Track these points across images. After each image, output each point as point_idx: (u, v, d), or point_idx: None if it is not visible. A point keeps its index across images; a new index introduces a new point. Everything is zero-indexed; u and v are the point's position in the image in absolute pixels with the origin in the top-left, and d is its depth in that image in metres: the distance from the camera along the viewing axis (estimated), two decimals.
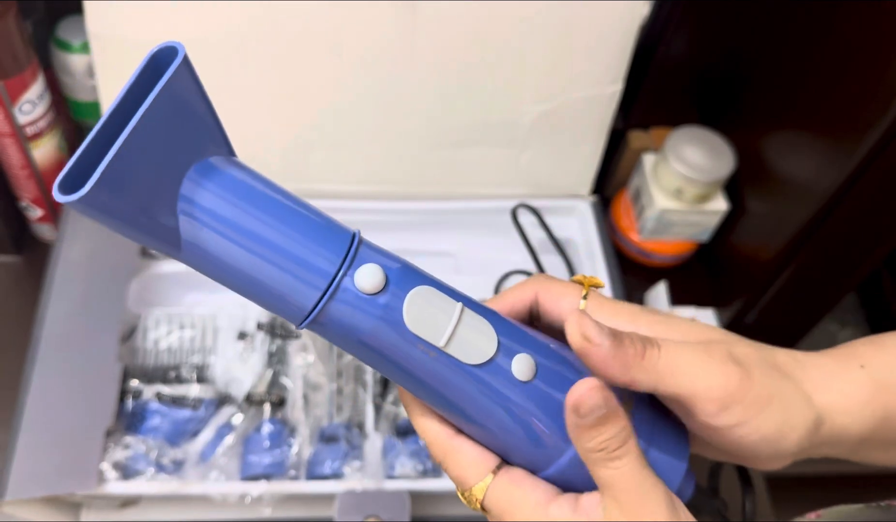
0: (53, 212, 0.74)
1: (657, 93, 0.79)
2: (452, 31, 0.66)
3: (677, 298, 0.76)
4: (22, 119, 0.65)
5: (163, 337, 0.68)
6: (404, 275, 0.27)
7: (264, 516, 0.62)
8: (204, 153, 0.25)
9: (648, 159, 0.80)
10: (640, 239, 0.81)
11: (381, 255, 0.27)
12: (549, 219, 0.79)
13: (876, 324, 0.88)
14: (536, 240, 0.77)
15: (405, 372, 0.28)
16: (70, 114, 0.75)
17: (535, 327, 0.33)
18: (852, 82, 0.61)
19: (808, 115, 0.67)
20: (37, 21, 0.69)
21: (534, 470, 0.29)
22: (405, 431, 0.65)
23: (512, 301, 0.32)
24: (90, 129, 0.78)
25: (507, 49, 0.68)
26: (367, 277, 0.26)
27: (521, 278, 0.76)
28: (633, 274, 0.83)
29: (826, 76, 0.65)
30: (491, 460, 0.29)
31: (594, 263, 0.75)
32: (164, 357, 0.67)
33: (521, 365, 0.28)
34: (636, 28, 0.67)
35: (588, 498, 0.28)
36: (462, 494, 0.30)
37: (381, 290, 0.26)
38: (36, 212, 0.74)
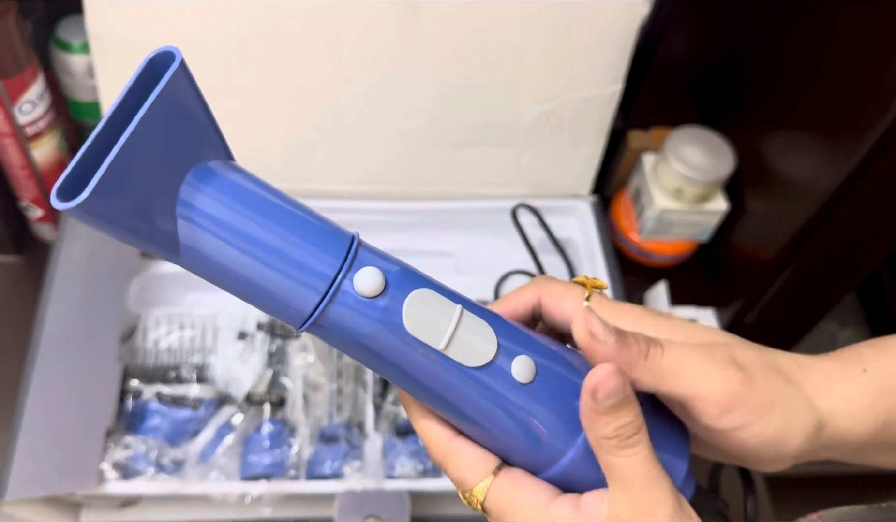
0: (53, 211, 0.74)
1: (657, 93, 0.79)
2: (452, 31, 0.66)
3: (677, 298, 0.76)
4: (22, 119, 0.65)
5: (163, 337, 0.68)
6: (403, 278, 0.27)
7: (264, 516, 0.62)
8: (202, 157, 0.25)
9: (648, 159, 0.80)
10: (640, 239, 0.81)
11: (380, 258, 0.27)
12: (549, 219, 0.79)
13: (876, 324, 0.88)
14: (536, 240, 0.77)
15: (405, 375, 0.28)
16: (70, 115, 0.75)
17: (537, 330, 0.34)
18: (852, 82, 0.61)
19: (808, 115, 0.67)
20: (37, 21, 0.69)
21: (534, 472, 0.29)
22: (405, 431, 0.65)
23: (514, 304, 0.32)
24: (90, 129, 0.78)
25: (507, 49, 0.68)
26: (367, 280, 0.26)
27: (521, 278, 0.76)
28: (633, 274, 0.83)
29: (826, 76, 0.65)
30: (491, 461, 0.29)
31: (594, 263, 0.75)
32: (164, 357, 0.67)
33: (521, 367, 0.28)
34: (636, 28, 0.67)
35: (590, 497, 0.28)
36: (463, 495, 0.30)
37: (380, 293, 0.26)
38: (36, 212, 0.74)
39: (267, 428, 0.63)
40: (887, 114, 0.56)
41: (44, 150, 0.68)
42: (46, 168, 0.70)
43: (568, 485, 0.29)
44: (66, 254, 0.67)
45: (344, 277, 0.26)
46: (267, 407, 0.64)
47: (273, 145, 0.73)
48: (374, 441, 0.64)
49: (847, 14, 0.62)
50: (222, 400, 0.65)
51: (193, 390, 0.64)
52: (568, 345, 0.33)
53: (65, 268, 0.67)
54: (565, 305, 0.32)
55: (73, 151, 0.75)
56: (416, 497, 0.61)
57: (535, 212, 0.78)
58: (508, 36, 0.67)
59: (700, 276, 0.84)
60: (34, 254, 0.76)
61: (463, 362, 0.27)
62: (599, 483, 0.28)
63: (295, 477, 0.62)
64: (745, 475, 0.36)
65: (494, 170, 0.77)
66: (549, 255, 0.77)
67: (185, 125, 0.24)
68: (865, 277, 0.71)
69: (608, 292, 0.71)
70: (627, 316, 0.32)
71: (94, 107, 0.73)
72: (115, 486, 0.58)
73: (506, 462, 0.30)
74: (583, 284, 0.33)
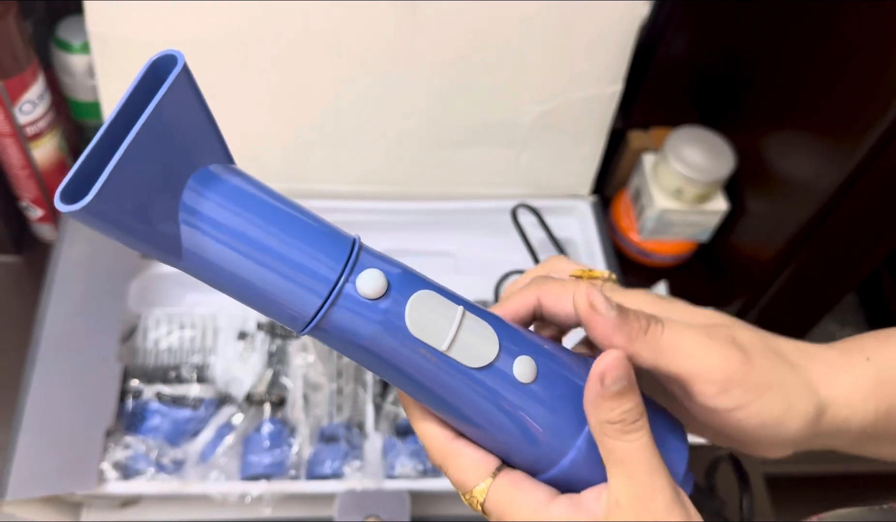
0: (53, 212, 0.74)
1: (657, 93, 0.79)
2: (452, 31, 0.66)
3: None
4: (22, 119, 0.65)
5: (163, 337, 0.68)
6: (405, 280, 0.27)
7: (264, 516, 0.62)
8: (204, 162, 0.25)
9: (648, 159, 0.80)
10: (640, 239, 0.81)
11: (381, 261, 0.28)
12: (549, 219, 0.79)
13: (876, 324, 0.88)
14: (536, 240, 0.77)
15: (406, 377, 0.28)
16: (70, 115, 0.75)
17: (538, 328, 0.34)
18: (852, 82, 0.61)
19: (808, 115, 0.67)
20: (37, 21, 0.69)
21: (535, 472, 0.30)
22: (405, 431, 0.65)
23: (514, 307, 0.33)
24: (90, 129, 0.78)
25: (507, 49, 0.68)
26: (369, 282, 0.26)
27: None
28: (633, 274, 0.83)
29: (826, 76, 0.65)
30: (491, 462, 0.29)
31: (594, 263, 0.75)
32: (164, 357, 0.67)
33: (523, 368, 0.28)
34: (636, 28, 0.67)
35: (588, 493, 0.28)
36: (463, 496, 0.30)
37: (382, 295, 0.26)
38: (36, 212, 0.74)
39: (267, 428, 0.63)
40: (887, 114, 0.56)
41: (44, 150, 0.68)
42: (47, 168, 0.70)
43: (568, 486, 0.29)
44: (66, 254, 0.67)
45: (346, 280, 0.26)
46: (267, 407, 0.64)
47: (273, 145, 0.73)
48: (374, 441, 0.64)
49: (847, 14, 0.62)
50: (222, 399, 0.65)
51: (193, 390, 0.64)
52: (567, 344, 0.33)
53: (65, 268, 0.67)
54: (566, 302, 0.32)
55: (74, 151, 0.75)
56: (416, 497, 0.61)
57: (535, 212, 0.78)
58: (508, 36, 0.67)
59: (700, 276, 0.84)
60: (34, 254, 0.76)
61: (465, 363, 0.27)
62: (599, 483, 0.29)
63: (295, 477, 0.62)
64: (742, 473, 0.36)
65: (494, 170, 0.77)
66: (549, 255, 0.77)
67: (187, 129, 0.24)
68: (865, 277, 0.71)
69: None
70: (628, 298, 0.33)
71: (95, 108, 0.73)
72: (116, 486, 0.58)
73: (506, 463, 0.30)
74: (580, 278, 0.33)
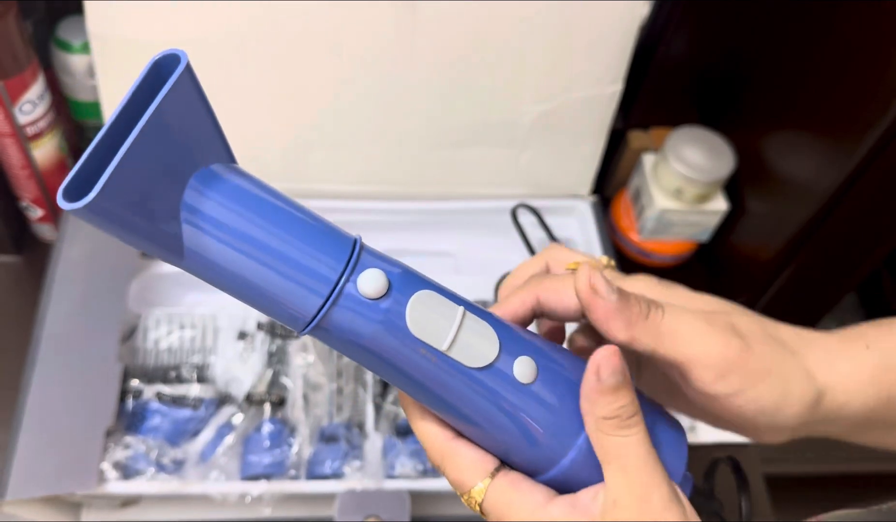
0: (53, 212, 0.74)
1: (657, 93, 0.79)
2: (452, 31, 0.66)
3: None
4: (22, 119, 0.65)
5: (163, 337, 0.68)
6: (406, 280, 0.27)
7: (264, 516, 0.62)
8: (206, 161, 0.25)
9: (648, 159, 0.80)
10: (640, 239, 0.81)
11: (382, 261, 0.28)
12: (549, 219, 0.79)
13: None
14: (536, 240, 0.77)
15: (406, 377, 0.28)
16: (70, 115, 0.75)
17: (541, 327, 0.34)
18: (852, 82, 0.61)
19: (808, 115, 0.67)
20: (37, 21, 0.69)
21: (533, 473, 0.30)
22: (405, 431, 0.65)
23: (514, 308, 0.33)
24: (91, 129, 0.78)
25: (507, 49, 0.68)
26: (370, 282, 0.26)
27: None
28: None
29: (826, 76, 0.65)
30: (489, 463, 0.29)
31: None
32: (164, 357, 0.67)
33: (523, 368, 0.28)
34: (636, 28, 0.67)
35: (584, 493, 0.28)
36: (461, 496, 0.30)
37: (383, 295, 0.27)
38: (36, 212, 0.74)
39: (267, 428, 0.63)
40: (887, 114, 0.56)
41: (44, 150, 0.68)
42: (47, 168, 0.70)
43: (567, 488, 0.29)
44: (66, 254, 0.67)
45: (347, 280, 0.26)
46: (267, 407, 0.64)
47: (273, 145, 0.73)
48: (375, 441, 0.64)
49: (847, 14, 0.62)
50: (222, 399, 0.65)
51: (194, 390, 0.64)
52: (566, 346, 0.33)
53: (65, 268, 0.67)
54: (565, 298, 0.32)
55: (74, 151, 0.75)
56: (416, 497, 0.61)
57: (535, 212, 0.78)
58: (508, 36, 0.67)
59: (700, 276, 0.84)
60: (34, 254, 0.76)
61: (465, 363, 0.27)
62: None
63: (295, 477, 0.62)
64: (740, 475, 0.36)
65: (494, 170, 0.77)
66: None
67: (189, 128, 0.24)
68: (865, 277, 0.71)
69: None
70: (629, 284, 0.33)
71: (95, 108, 0.73)
72: (116, 486, 0.58)
73: (505, 463, 0.30)
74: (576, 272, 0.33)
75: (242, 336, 0.68)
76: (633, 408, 0.28)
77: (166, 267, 0.70)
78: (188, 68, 0.24)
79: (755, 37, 0.74)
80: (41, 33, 0.70)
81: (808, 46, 0.67)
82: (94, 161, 0.23)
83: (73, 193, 0.22)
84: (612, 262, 0.35)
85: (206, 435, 0.63)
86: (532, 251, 0.76)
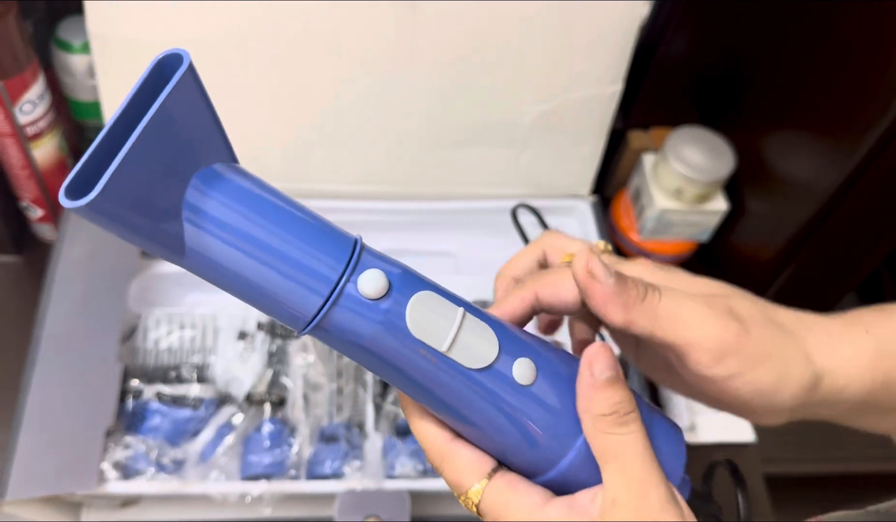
0: (53, 212, 0.74)
1: (657, 93, 0.79)
2: (452, 31, 0.66)
3: None
4: (22, 119, 0.65)
5: (163, 336, 0.68)
6: (406, 281, 0.27)
7: (264, 516, 0.62)
8: (208, 160, 0.25)
9: (648, 159, 0.80)
10: (640, 239, 0.81)
11: (383, 261, 0.28)
12: (549, 219, 0.78)
13: None
14: None
15: (406, 377, 0.28)
16: (70, 115, 0.75)
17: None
18: (852, 82, 0.61)
19: (808, 115, 0.67)
20: (37, 21, 0.69)
21: (532, 475, 0.30)
22: (405, 431, 0.65)
23: (513, 307, 0.33)
24: (91, 129, 0.78)
25: (507, 49, 0.68)
26: (371, 282, 0.26)
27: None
28: None
29: (826, 76, 0.65)
30: (487, 464, 0.29)
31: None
32: (164, 357, 0.67)
33: (523, 370, 0.28)
34: (636, 28, 0.67)
35: (582, 494, 0.28)
36: (459, 497, 0.30)
37: (383, 296, 0.27)
38: (36, 212, 0.74)
39: (267, 428, 0.63)
40: (887, 114, 0.56)
41: (44, 150, 0.68)
42: (47, 168, 0.70)
43: (565, 490, 0.29)
44: (66, 254, 0.67)
45: (347, 280, 0.26)
46: (267, 407, 0.64)
47: (273, 145, 0.73)
48: (375, 441, 0.64)
49: (847, 14, 0.62)
50: (222, 399, 0.65)
51: (194, 390, 0.64)
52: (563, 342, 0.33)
53: (65, 268, 0.67)
54: (563, 292, 0.32)
55: (74, 151, 0.75)
56: (416, 497, 0.61)
57: (535, 212, 0.78)
58: (508, 36, 0.67)
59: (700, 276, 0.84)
60: (34, 254, 0.76)
61: (465, 364, 0.27)
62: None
63: (295, 477, 0.62)
64: (739, 479, 0.36)
65: (494, 170, 0.77)
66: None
67: (192, 128, 0.24)
68: (865, 277, 0.71)
69: None
70: (628, 268, 0.33)
71: (95, 108, 0.73)
72: (116, 486, 0.58)
73: (504, 464, 0.30)
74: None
75: (242, 336, 0.68)
76: (629, 405, 0.28)
77: (166, 268, 0.70)
78: (191, 67, 0.24)
79: (755, 37, 0.74)
80: (41, 33, 0.70)
81: (808, 46, 0.67)
82: (96, 159, 0.23)
83: (76, 191, 0.22)
84: (609, 247, 0.35)
85: (206, 434, 0.63)
86: None
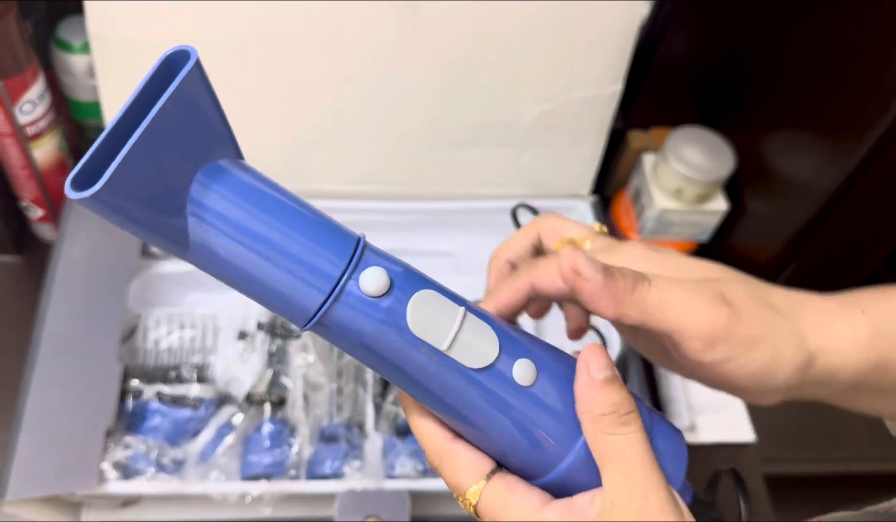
0: (53, 212, 0.74)
1: (657, 93, 0.79)
2: (452, 31, 0.66)
3: None
4: (22, 119, 0.65)
5: (163, 337, 0.68)
6: (408, 279, 0.28)
7: (264, 516, 0.62)
8: (213, 155, 0.26)
9: (648, 159, 0.80)
10: (640, 239, 0.81)
11: (385, 259, 0.28)
12: None
13: None
14: None
15: (406, 375, 0.28)
16: (70, 115, 0.75)
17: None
18: (852, 82, 0.61)
19: (808, 115, 0.67)
20: (37, 21, 0.69)
21: (531, 477, 0.29)
22: (405, 431, 0.65)
23: (508, 297, 0.33)
24: (91, 129, 0.78)
25: (507, 49, 0.68)
26: (372, 280, 0.26)
27: None
28: None
29: (826, 76, 0.65)
30: (486, 465, 0.29)
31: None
32: (164, 357, 0.67)
33: (523, 370, 0.28)
34: (636, 28, 0.67)
35: (581, 497, 0.28)
36: (457, 498, 0.30)
37: (385, 293, 0.27)
38: (36, 212, 0.74)
39: (267, 428, 0.63)
40: (887, 114, 0.56)
41: (44, 150, 0.68)
42: (47, 168, 0.70)
43: (564, 492, 0.29)
44: (66, 254, 0.67)
45: (349, 277, 0.26)
46: (267, 407, 0.64)
47: (273, 145, 0.73)
48: (375, 441, 0.64)
49: (847, 14, 0.62)
50: (222, 399, 0.65)
51: (194, 390, 0.64)
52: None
53: (65, 268, 0.67)
54: (558, 280, 0.32)
55: (74, 151, 0.75)
56: (416, 497, 0.61)
57: (535, 212, 0.78)
58: (508, 36, 0.67)
59: None
60: (34, 254, 0.76)
61: (465, 363, 0.27)
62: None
63: (295, 477, 0.62)
64: (743, 487, 0.36)
65: (494, 170, 0.77)
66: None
67: (198, 122, 0.25)
68: (865, 277, 0.71)
69: None
70: (619, 252, 0.33)
71: (95, 108, 0.73)
72: (116, 486, 0.58)
73: (503, 466, 0.30)
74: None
75: (242, 336, 0.68)
76: (628, 405, 0.28)
77: (166, 267, 0.70)
78: (198, 64, 0.24)
79: (755, 37, 0.74)
80: (41, 33, 0.70)
81: (808, 46, 0.67)
82: (102, 153, 0.23)
83: (82, 183, 0.23)
84: (605, 228, 0.35)
85: (206, 435, 0.63)
86: None
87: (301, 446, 0.63)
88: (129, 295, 0.68)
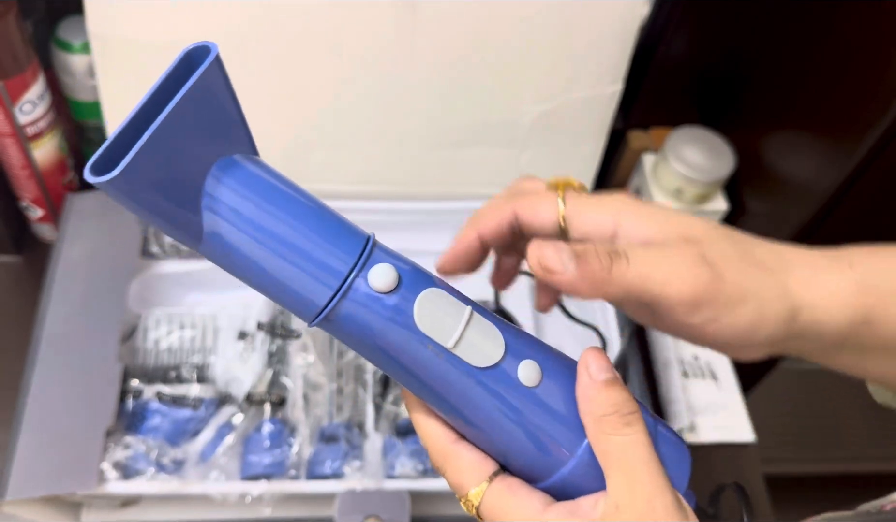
0: (53, 212, 0.74)
1: (657, 93, 0.79)
2: (452, 31, 0.66)
3: None
4: (22, 119, 0.65)
5: (163, 336, 0.68)
6: (416, 277, 0.28)
7: (264, 516, 0.62)
8: (229, 150, 0.26)
9: (648, 159, 0.80)
10: None
11: (393, 257, 0.28)
12: None
13: None
14: None
15: (411, 373, 0.28)
16: (70, 115, 0.75)
17: (521, 244, 0.33)
18: (852, 82, 0.61)
19: (808, 115, 0.67)
20: (37, 21, 0.69)
21: (533, 480, 0.29)
22: (405, 431, 0.65)
23: (488, 222, 0.33)
24: (91, 130, 0.78)
25: (507, 49, 0.68)
26: (380, 277, 0.27)
27: (521, 278, 0.76)
28: None
29: (826, 76, 0.65)
30: (488, 466, 0.29)
31: None
32: (164, 357, 0.67)
33: (528, 371, 0.28)
34: (636, 28, 0.67)
35: (584, 499, 0.28)
36: (459, 499, 0.30)
37: (392, 290, 0.27)
38: (36, 212, 0.74)
39: (267, 428, 0.63)
40: (887, 114, 0.56)
41: (44, 150, 0.68)
42: (47, 168, 0.70)
43: (566, 497, 0.29)
44: (66, 254, 0.67)
45: (357, 274, 0.27)
46: (267, 407, 0.64)
47: (273, 145, 0.73)
48: (375, 441, 0.64)
49: (847, 14, 0.62)
50: (222, 399, 0.65)
51: (194, 390, 0.64)
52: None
53: (65, 268, 0.67)
54: (543, 214, 0.32)
55: (74, 151, 0.75)
56: (416, 497, 0.61)
57: None
58: (508, 36, 0.67)
59: None
60: (34, 254, 0.76)
61: (470, 361, 0.28)
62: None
63: (295, 477, 0.62)
64: (746, 501, 0.36)
65: (494, 170, 0.77)
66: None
67: (215, 116, 0.25)
68: None
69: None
70: (606, 211, 0.32)
71: (95, 108, 0.73)
72: (116, 486, 0.58)
73: (507, 468, 0.30)
74: (556, 187, 0.33)
75: (242, 336, 0.68)
76: (631, 405, 0.28)
77: (166, 267, 0.70)
78: (217, 59, 0.25)
79: (755, 37, 0.74)
80: (41, 33, 0.70)
81: (808, 46, 0.67)
82: (121, 142, 0.24)
83: (101, 170, 0.23)
84: (585, 185, 0.34)
85: (206, 435, 0.63)
86: None
87: (301, 446, 0.63)
88: (129, 295, 0.68)
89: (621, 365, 0.70)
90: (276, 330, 0.69)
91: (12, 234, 0.75)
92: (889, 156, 0.58)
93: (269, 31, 0.65)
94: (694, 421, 0.69)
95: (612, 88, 0.71)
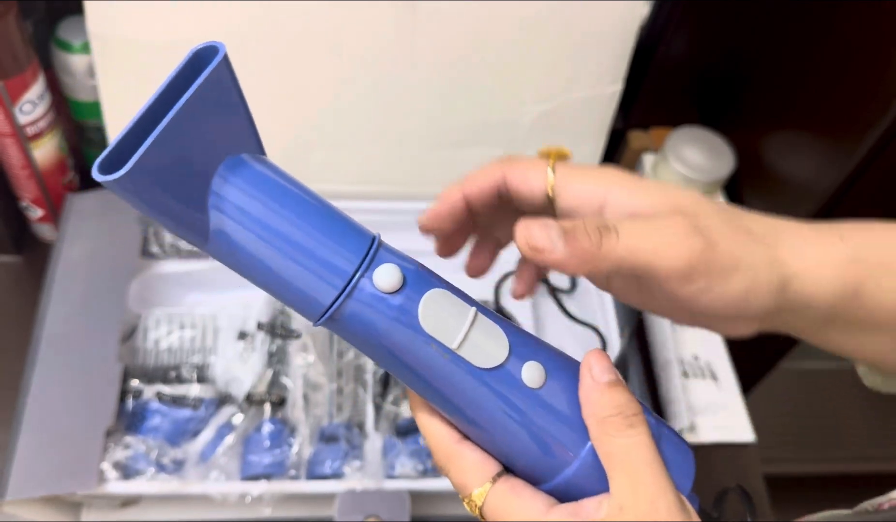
0: (53, 212, 0.74)
1: (657, 93, 0.79)
2: (452, 31, 0.66)
3: None
4: (22, 119, 0.65)
5: (163, 337, 0.68)
6: (420, 278, 0.28)
7: (264, 516, 0.62)
8: (236, 149, 0.26)
9: (648, 159, 0.80)
10: None
11: (398, 258, 0.28)
12: None
13: None
14: None
15: (415, 373, 0.28)
16: (70, 115, 0.75)
17: (507, 210, 0.33)
18: (852, 82, 0.61)
19: (808, 115, 0.67)
20: (37, 21, 0.69)
21: (537, 481, 0.29)
22: (405, 431, 0.65)
23: (478, 182, 0.33)
24: (91, 130, 0.78)
25: (507, 49, 0.68)
26: (385, 276, 0.27)
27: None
28: None
29: (826, 76, 0.65)
30: (492, 467, 0.29)
31: None
32: (164, 357, 0.67)
33: (532, 373, 0.28)
34: (636, 28, 0.67)
35: (588, 501, 0.28)
36: (462, 500, 0.30)
37: (397, 290, 0.27)
38: (36, 212, 0.74)
39: (267, 428, 0.63)
40: (887, 114, 0.56)
41: (44, 150, 0.68)
42: (47, 168, 0.70)
43: (570, 498, 0.29)
44: (66, 254, 0.67)
45: (363, 274, 0.27)
46: (267, 407, 0.64)
47: (273, 145, 0.72)
48: (374, 441, 0.64)
49: (847, 14, 0.62)
50: (222, 399, 0.65)
51: (194, 390, 0.64)
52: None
53: (65, 268, 0.67)
54: (532, 181, 0.31)
55: (74, 151, 0.75)
56: (416, 497, 0.61)
57: None
58: (508, 36, 0.67)
59: None
60: (34, 254, 0.76)
61: (475, 362, 0.28)
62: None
63: (295, 477, 0.62)
64: (750, 503, 0.36)
65: None
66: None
67: (223, 115, 0.26)
68: None
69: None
70: (596, 182, 0.31)
71: (95, 108, 0.73)
72: (116, 486, 0.58)
73: (510, 469, 0.30)
74: (547, 156, 0.32)
75: (242, 336, 0.68)
76: (634, 407, 0.28)
77: (166, 267, 0.70)
78: (225, 59, 0.25)
79: (755, 37, 0.74)
80: (41, 33, 0.70)
81: (808, 46, 0.67)
82: (129, 141, 0.24)
83: (108, 169, 0.23)
84: (569, 152, 0.34)
85: (206, 434, 0.63)
86: None
87: (301, 446, 0.63)
88: (129, 295, 0.68)
89: (621, 365, 0.70)
90: (276, 330, 0.69)
91: (12, 234, 0.75)
92: (889, 156, 0.58)
93: (269, 31, 0.65)
94: (694, 421, 0.69)
95: (612, 88, 0.71)
